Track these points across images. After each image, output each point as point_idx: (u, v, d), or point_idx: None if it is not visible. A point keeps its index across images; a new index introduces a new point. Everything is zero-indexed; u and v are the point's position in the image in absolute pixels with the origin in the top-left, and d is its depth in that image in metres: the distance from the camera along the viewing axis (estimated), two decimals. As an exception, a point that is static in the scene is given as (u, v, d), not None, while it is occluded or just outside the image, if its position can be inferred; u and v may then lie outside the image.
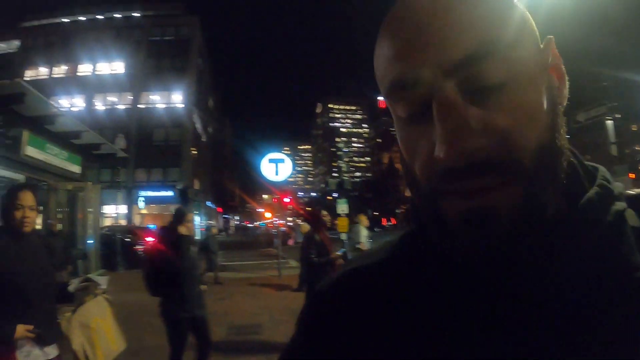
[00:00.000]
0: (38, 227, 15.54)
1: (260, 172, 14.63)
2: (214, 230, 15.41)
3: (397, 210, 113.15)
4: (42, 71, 46.35)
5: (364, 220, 11.62)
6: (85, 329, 3.09)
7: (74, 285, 3.18)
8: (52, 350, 2.82)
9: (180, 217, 5.05)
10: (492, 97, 0.38)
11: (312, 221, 7.22)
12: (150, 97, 43.96)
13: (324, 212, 7.18)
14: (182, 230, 4.95)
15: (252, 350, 6.49)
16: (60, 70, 46.11)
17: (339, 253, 6.65)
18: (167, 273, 4.63)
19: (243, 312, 9.22)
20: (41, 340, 2.73)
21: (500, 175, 0.38)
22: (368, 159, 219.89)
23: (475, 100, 0.38)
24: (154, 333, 6.25)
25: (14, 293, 2.65)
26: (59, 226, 11.22)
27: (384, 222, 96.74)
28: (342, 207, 17.49)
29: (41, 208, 13.03)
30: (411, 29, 0.40)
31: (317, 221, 6.98)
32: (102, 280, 3.41)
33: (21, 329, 2.60)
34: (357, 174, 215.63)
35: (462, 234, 0.41)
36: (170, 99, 43.78)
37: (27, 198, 2.78)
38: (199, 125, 50.53)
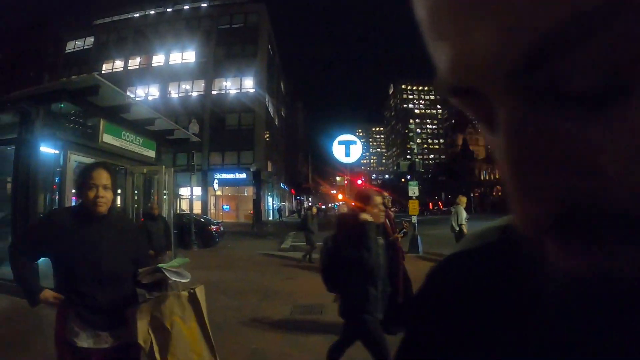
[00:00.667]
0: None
1: (332, 154, 14.79)
2: (314, 210, 15.75)
3: (471, 194, 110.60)
4: (118, 64, 49.12)
5: (463, 201, 11.79)
6: (158, 328, 2.61)
7: (143, 276, 2.69)
8: (108, 338, 2.59)
9: (365, 201, 4.35)
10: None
11: (362, 203, 7.15)
12: (222, 83, 45.08)
13: (384, 194, 7.00)
14: (366, 217, 4.21)
15: (315, 330, 6.47)
16: (135, 62, 48.53)
17: (398, 235, 6.56)
18: (348, 266, 4.04)
19: (308, 292, 9.11)
20: (91, 324, 2.54)
21: None
22: (442, 140, 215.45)
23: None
24: (222, 310, 6.60)
25: (78, 274, 2.51)
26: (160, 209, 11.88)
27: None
28: (414, 189, 17.30)
29: (119, 190, 13.73)
30: None
31: (368, 203, 6.87)
32: (178, 273, 2.72)
33: (48, 293, 2.60)
34: (431, 155, 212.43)
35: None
36: (242, 85, 44.67)
37: (102, 177, 2.60)
38: (271, 109, 51.25)
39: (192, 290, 2.79)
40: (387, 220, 6.52)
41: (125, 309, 2.62)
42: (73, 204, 8.89)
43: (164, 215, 10.16)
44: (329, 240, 4.61)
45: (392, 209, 7.25)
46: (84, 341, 2.53)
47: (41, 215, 3.68)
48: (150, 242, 7.59)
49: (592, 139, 0.26)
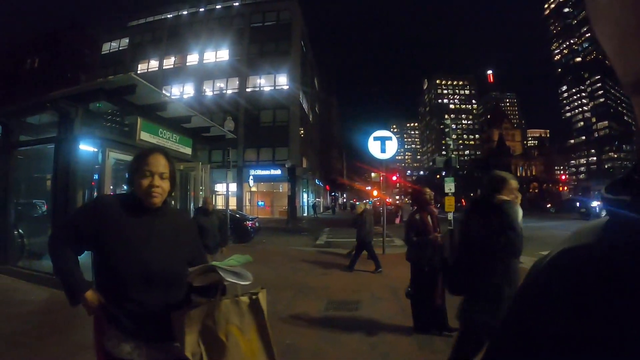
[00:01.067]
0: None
1: (368, 150, 14.77)
2: (368, 206, 15.54)
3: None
4: (153, 64, 50.19)
5: (518, 197, 11.64)
6: (210, 340, 2.16)
7: (194, 276, 2.18)
8: (154, 352, 2.21)
9: (497, 185, 3.77)
10: None
11: (414, 200, 6.99)
12: (256, 80, 45.19)
13: (427, 190, 6.85)
14: (503, 197, 3.70)
15: (350, 327, 6.39)
16: (169, 62, 49.41)
17: (438, 234, 6.36)
18: (475, 264, 3.49)
19: (343, 288, 9.21)
20: (134, 334, 2.16)
21: None
22: (477, 136, 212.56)
23: None
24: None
25: (123, 273, 2.11)
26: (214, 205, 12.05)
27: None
28: (450, 186, 17.09)
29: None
30: None
31: (419, 200, 6.75)
32: (236, 274, 2.21)
33: (93, 294, 2.24)
34: (467, 151, 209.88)
35: None
36: (276, 82, 44.74)
37: (159, 163, 2.26)
38: (305, 106, 51.34)
39: (254, 296, 2.31)
40: (430, 216, 6.49)
41: (172, 317, 2.18)
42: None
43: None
44: (453, 234, 4.00)
45: (434, 206, 7.04)
46: (125, 354, 2.14)
47: (86, 203, 3.13)
48: (203, 238, 7.16)
49: None
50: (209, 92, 46.05)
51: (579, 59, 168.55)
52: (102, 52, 55.56)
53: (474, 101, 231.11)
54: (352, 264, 11.55)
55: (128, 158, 9.79)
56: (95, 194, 9.20)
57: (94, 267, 2.26)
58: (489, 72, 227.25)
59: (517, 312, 0.60)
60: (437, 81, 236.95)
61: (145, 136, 10.33)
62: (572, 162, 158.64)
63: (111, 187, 9.11)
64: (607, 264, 0.48)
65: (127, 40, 53.54)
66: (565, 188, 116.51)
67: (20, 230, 10.65)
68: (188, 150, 12.64)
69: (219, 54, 47.03)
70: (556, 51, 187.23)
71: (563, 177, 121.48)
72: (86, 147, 8.95)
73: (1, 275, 9.47)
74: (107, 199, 2.51)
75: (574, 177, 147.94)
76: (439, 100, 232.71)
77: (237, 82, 45.32)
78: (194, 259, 2.43)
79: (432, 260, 6.14)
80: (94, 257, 2.25)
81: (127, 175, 2.34)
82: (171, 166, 2.36)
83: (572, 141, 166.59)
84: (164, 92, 11.33)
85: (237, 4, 49.94)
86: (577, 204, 41.11)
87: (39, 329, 6.03)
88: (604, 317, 0.45)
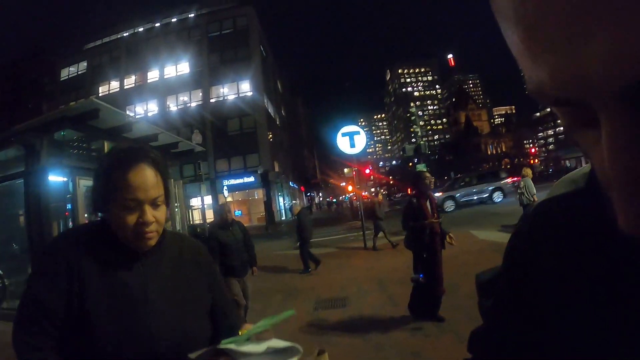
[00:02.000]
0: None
1: (337, 146, 14.85)
2: (380, 198, 16.05)
3: (479, 169, 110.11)
4: (114, 85, 49.77)
5: (530, 172, 12.34)
6: None
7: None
8: None
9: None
10: None
11: (413, 186, 6.70)
12: (220, 90, 45.12)
13: (427, 175, 6.52)
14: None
15: (342, 323, 6.50)
16: (130, 81, 49.02)
17: (437, 219, 6.21)
18: None
19: (330, 285, 9.28)
20: None
21: None
22: (444, 120, 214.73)
23: None
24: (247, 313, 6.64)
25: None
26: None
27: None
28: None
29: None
30: None
31: (419, 185, 6.47)
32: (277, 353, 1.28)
33: None
34: (436, 136, 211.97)
35: None
36: (239, 89, 44.68)
37: (147, 182, 1.40)
38: (271, 110, 51.29)
39: None
40: (429, 202, 6.34)
41: None
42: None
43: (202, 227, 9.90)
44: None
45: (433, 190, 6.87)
46: None
47: (41, 254, 1.42)
48: (226, 258, 6.34)
49: None
50: (173, 107, 45.69)
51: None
52: (62, 78, 54.73)
53: (437, 86, 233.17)
54: (305, 264, 11.74)
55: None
56: (71, 223, 9.09)
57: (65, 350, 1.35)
58: (450, 56, 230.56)
59: (509, 262, 0.64)
60: (400, 70, 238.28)
61: (114, 160, 10.27)
62: (540, 134, 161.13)
63: (86, 215, 9.03)
64: (586, 209, 0.51)
65: (85, 64, 52.82)
66: (536, 160, 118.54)
67: (-1, 271, 10.49)
68: (159, 169, 12.57)
69: (180, 68, 46.74)
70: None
71: (533, 150, 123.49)
72: (55, 178, 8.87)
73: (-15, 318, 9.32)
74: (70, 241, 1.47)
75: (543, 149, 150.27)
76: (403, 89, 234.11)
77: (201, 94, 45.14)
78: (216, 306, 1.63)
79: (431, 246, 6.12)
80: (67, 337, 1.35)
81: (93, 199, 1.48)
82: (164, 178, 1.48)
83: (538, 114, 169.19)
84: (127, 112, 11.34)
85: (192, 15, 49.74)
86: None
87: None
88: (587, 260, 0.47)
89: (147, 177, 1.40)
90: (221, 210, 6.84)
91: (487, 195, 26.56)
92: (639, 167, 0.27)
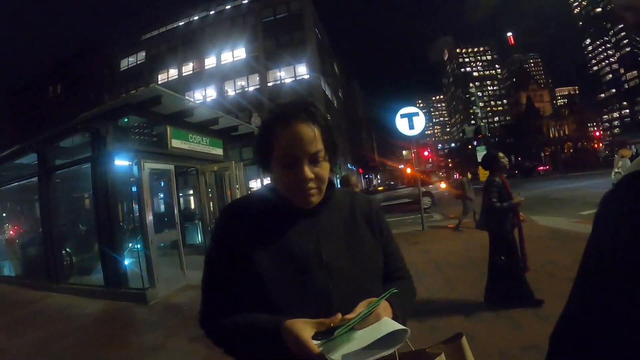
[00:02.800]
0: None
1: (396, 128, 14.76)
2: (469, 175, 15.74)
3: (542, 154, 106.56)
4: (172, 72, 50.99)
5: (628, 153, 12.01)
6: None
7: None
8: None
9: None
10: None
11: (488, 167, 6.36)
12: (277, 74, 45.36)
13: (501, 155, 6.23)
14: None
15: None
16: (188, 68, 49.99)
17: (521, 197, 5.95)
18: None
19: None
20: None
21: None
22: (505, 101, 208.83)
23: None
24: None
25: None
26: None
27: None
28: (482, 155, 16.91)
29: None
30: None
31: (495, 166, 6.17)
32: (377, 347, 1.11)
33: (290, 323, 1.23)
34: (496, 118, 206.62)
35: None
36: (296, 72, 44.85)
37: (305, 137, 1.35)
38: (328, 92, 51.22)
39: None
40: (506, 183, 6.05)
41: None
42: (150, 210, 9.34)
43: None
44: None
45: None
46: None
47: (214, 224, 1.48)
48: None
49: None
50: (231, 92, 46.30)
51: (599, 10, 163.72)
52: (121, 69, 56.57)
53: (497, 66, 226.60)
54: None
55: (163, 167, 10.01)
56: (135, 205, 9.40)
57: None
58: (509, 34, 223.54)
59: (597, 238, 0.61)
60: (458, 50, 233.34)
61: (176, 143, 10.52)
62: (605, 117, 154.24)
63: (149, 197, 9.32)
64: None
65: (144, 54, 54.40)
66: (601, 144, 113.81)
67: (67, 249, 11.03)
68: (219, 151, 12.80)
69: (236, 53, 47.27)
70: (575, 4, 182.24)
71: (597, 133, 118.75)
72: (121, 162, 9.16)
73: (55, 294, 9.87)
74: (238, 208, 1.48)
75: (608, 132, 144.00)
76: (462, 70, 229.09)
77: (258, 78, 45.55)
78: (391, 262, 1.57)
79: (517, 225, 5.87)
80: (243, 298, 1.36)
81: (257, 158, 1.47)
82: (325, 133, 1.41)
83: (603, 95, 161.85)
84: (186, 98, 11.50)
85: (245, 1, 50.04)
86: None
87: (100, 338, 6.31)
88: None
89: (303, 132, 1.35)
90: (346, 180, 5.53)
91: (411, 200, 23.96)
92: None
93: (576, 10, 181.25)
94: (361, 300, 1.30)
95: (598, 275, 0.59)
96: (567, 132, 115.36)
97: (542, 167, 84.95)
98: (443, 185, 24.44)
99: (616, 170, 11.92)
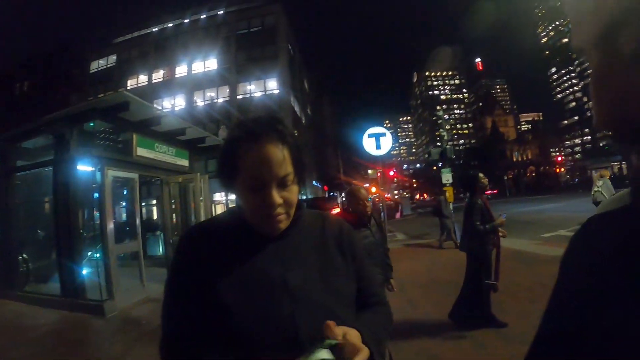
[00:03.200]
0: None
1: (363, 147, 14.78)
2: (448, 195, 16.04)
3: (505, 177, 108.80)
4: (142, 79, 50.43)
5: (607, 173, 12.34)
6: None
7: None
8: None
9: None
10: None
11: (469, 186, 6.31)
12: (247, 87, 45.32)
13: (482, 175, 6.20)
14: None
15: None
16: (158, 75, 49.56)
17: (503, 218, 5.91)
18: None
19: None
20: None
21: None
22: (470, 125, 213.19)
23: None
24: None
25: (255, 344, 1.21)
26: None
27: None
28: (447, 177, 17.11)
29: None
30: None
31: (475, 184, 6.16)
32: None
33: None
34: (461, 141, 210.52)
35: None
36: (266, 87, 44.78)
37: (273, 159, 1.22)
38: (297, 108, 51.37)
39: None
40: (486, 204, 6.04)
41: None
42: (111, 219, 9.14)
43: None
44: None
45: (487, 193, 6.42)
46: None
47: (175, 250, 1.32)
48: None
49: None
50: (200, 102, 46.07)
51: (565, 40, 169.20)
52: (91, 71, 55.66)
53: (464, 90, 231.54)
54: None
55: (127, 175, 9.85)
56: (97, 213, 9.20)
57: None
58: (478, 60, 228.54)
59: (563, 279, 0.64)
60: (427, 73, 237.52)
61: (142, 152, 10.38)
62: (567, 142, 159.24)
63: (110, 205, 9.13)
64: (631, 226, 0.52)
65: (115, 57, 53.64)
66: (562, 169, 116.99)
67: (24, 255, 10.69)
68: (185, 162, 12.68)
69: (207, 64, 47.11)
70: (542, 34, 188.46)
71: (559, 158, 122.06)
72: (84, 167, 8.98)
73: (10, 302, 9.53)
74: (201, 232, 1.36)
75: (569, 157, 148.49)
76: (430, 92, 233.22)
77: (228, 90, 45.41)
78: (365, 288, 1.44)
79: (493, 247, 5.86)
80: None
81: (219, 178, 1.33)
82: (294, 154, 1.29)
83: (566, 122, 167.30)
84: (155, 105, 11.37)
85: (221, 12, 50.02)
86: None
87: (54, 350, 6.11)
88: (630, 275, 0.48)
89: (272, 153, 1.22)
90: (352, 198, 4.63)
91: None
92: (607, 88, 0.31)
93: (543, 40, 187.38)
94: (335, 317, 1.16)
95: (567, 300, 0.62)
96: (530, 157, 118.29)
97: (489, 192, 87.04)
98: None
99: (596, 189, 12.28)
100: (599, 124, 0.46)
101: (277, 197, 1.21)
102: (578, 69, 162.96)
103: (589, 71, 0.32)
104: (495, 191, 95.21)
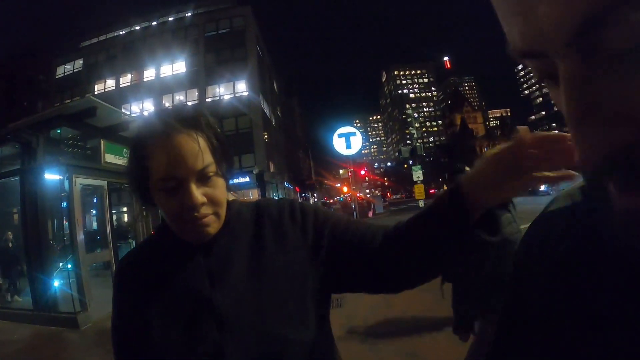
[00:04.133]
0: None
1: (333, 147, 14.81)
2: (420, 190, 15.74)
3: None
4: (109, 83, 49.34)
5: None
6: None
7: None
8: None
9: None
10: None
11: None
12: (216, 90, 44.98)
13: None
14: None
15: (336, 323, 6.48)
16: (126, 80, 48.65)
17: None
18: None
19: None
20: None
21: None
22: (440, 122, 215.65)
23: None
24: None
25: None
26: None
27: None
28: (418, 174, 17.26)
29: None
30: None
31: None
32: None
33: None
34: (431, 138, 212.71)
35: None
36: (235, 89, 44.40)
37: (185, 153, 0.98)
38: (267, 110, 51.18)
39: None
40: None
41: None
42: (81, 228, 8.98)
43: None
44: None
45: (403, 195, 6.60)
46: None
47: (113, 285, 1.16)
48: None
49: (635, 90, 0.28)
50: (169, 106, 45.52)
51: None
52: (57, 76, 54.46)
53: (433, 88, 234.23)
54: None
55: (95, 182, 9.69)
56: (66, 222, 9.02)
57: None
58: (446, 58, 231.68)
59: (514, 280, 0.64)
60: (396, 72, 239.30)
61: (110, 158, 10.23)
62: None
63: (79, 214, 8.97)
64: (582, 223, 0.52)
65: (81, 62, 52.55)
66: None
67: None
68: (155, 168, 12.53)
69: (176, 67, 46.58)
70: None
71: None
72: (52, 176, 8.81)
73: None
74: (130, 261, 1.18)
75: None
76: (399, 91, 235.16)
77: (197, 93, 44.95)
78: (346, 237, 1.11)
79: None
80: None
81: (131, 188, 1.09)
82: (212, 142, 1.08)
83: (533, 117, 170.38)
84: (123, 110, 11.23)
85: (189, 14, 49.63)
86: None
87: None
88: (586, 278, 0.48)
89: (183, 144, 0.98)
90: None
91: None
92: (586, 102, 0.30)
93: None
94: (271, 356, 0.97)
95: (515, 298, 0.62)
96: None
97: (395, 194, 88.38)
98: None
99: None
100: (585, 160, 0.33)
101: (197, 194, 0.98)
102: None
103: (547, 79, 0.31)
104: (403, 196, 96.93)
